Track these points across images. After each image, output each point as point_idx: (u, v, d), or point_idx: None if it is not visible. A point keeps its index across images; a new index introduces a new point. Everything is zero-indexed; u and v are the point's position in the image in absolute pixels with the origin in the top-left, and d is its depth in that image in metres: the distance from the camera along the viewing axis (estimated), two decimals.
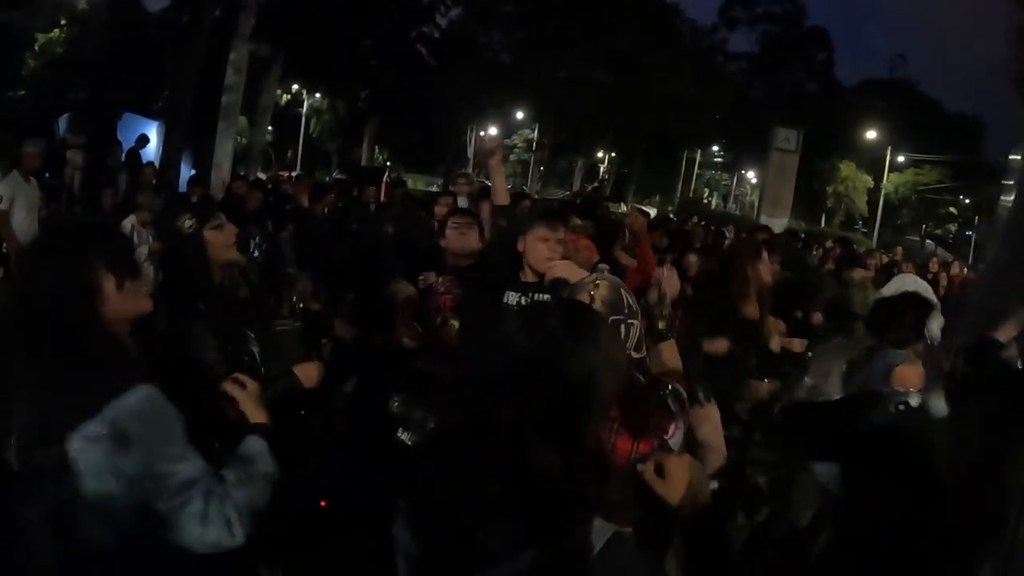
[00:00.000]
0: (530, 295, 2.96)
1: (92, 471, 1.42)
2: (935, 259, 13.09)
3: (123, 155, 10.33)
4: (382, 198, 7.13)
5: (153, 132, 14.86)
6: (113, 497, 1.44)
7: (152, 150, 13.52)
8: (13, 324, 1.53)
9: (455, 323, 3.33)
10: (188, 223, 2.32)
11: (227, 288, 2.42)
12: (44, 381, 1.46)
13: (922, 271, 9.40)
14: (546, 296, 2.85)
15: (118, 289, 1.57)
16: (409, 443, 3.17)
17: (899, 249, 13.46)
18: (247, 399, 1.78)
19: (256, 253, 5.89)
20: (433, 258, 3.61)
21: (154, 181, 8.40)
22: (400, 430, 3.20)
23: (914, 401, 2.40)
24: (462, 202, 5.46)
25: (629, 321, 1.97)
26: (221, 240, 2.38)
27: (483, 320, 3.07)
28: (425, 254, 3.69)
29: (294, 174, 18.08)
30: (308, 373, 2.25)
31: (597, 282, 1.98)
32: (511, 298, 3.02)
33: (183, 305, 2.22)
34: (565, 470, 1.21)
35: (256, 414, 1.77)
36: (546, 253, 2.91)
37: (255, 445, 1.69)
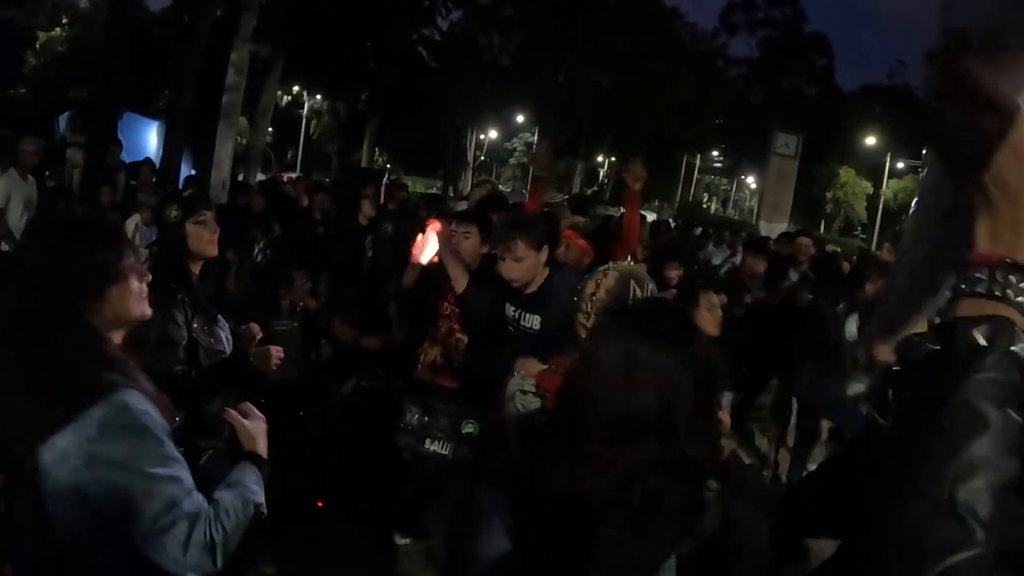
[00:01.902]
0: (520, 309, 2.97)
1: (62, 486, 1.32)
2: None
3: (122, 154, 10.30)
4: (382, 200, 7.10)
5: (154, 131, 14.86)
6: (85, 515, 1.34)
7: (152, 150, 13.54)
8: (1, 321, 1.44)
9: (463, 337, 3.29)
10: (174, 214, 2.42)
11: (205, 279, 2.51)
12: (19, 384, 1.36)
13: None
14: (535, 315, 2.86)
15: (115, 290, 1.49)
16: (445, 452, 3.17)
17: (886, 246, 13.42)
18: (251, 430, 1.67)
19: (260, 258, 5.85)
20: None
21: (153, 179, 8.38)
22: (428, 441, 3.18)
23: None
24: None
25: None
26: (202, 234, 2.45)
27: (488, 334, 3.08)
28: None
29: (293, 175, 18.09)
30: (262, 357, 2.35)
31: (607, 272, 2.00)
32: (509, 310, 3.01)
33: (160, 289, 2.24)
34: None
35: (256, 445, 1.66)
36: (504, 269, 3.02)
37: (251, 475, 1.58)
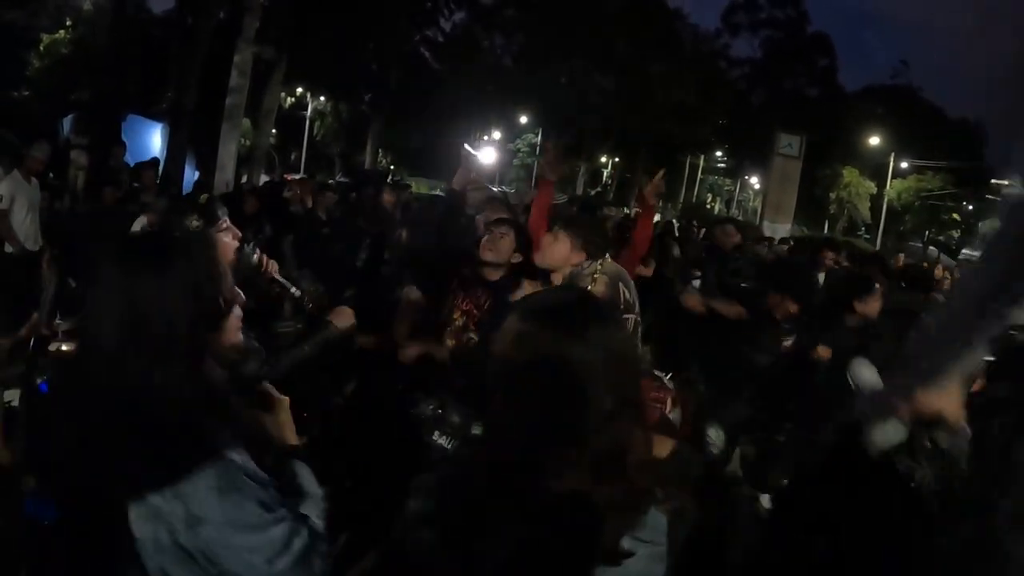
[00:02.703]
0: None
1: (157, 545, 1.19)
2: (940, 266, 13.01)
3: (125, 156, 10.33)
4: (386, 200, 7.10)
5: (157, 133, 14.89)
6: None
7: (156, 152, 13.56)
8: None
9: (475, 337, 3.28)
10: (195, 223, 2.30)
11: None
12: (116, 434, 1.21)
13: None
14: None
15: (230, 321, 1.36)
16: (447, 447, 3.17)
17: (900, 256, 13.40)
18: (278, 416, 1.51)
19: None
20: (440, 264, 3.58)
21: (156, 182, 8.41)
22: (436, 433, 3.18)
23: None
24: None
25: (625, 316, 1.98)
26: (225, 242, 2.34)
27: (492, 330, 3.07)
28: (434, 260, 3.67)
29: (296, 177, 18.09)
30: (344, 316, 2.28)
31: (595, 276, 1.97)
32: None
33: None
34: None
35: (290, 435, 1.51)
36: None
37: (306, 472, 1.46)
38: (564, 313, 1.21)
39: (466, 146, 3.66)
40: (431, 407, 3.17)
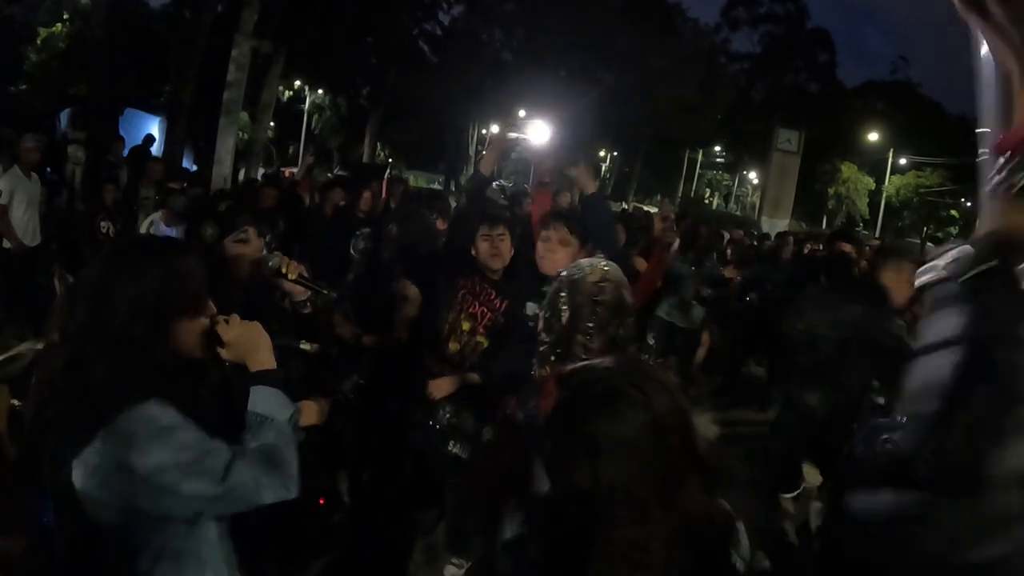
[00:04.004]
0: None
1: (96, 496, 1.34)
2: None
3: (125, 151, 10.30)
4: (383, 195, 7.06)
5: (155, 128, 14.87)
6: (123, 517, 1.37)
7: (154, 145, 13.53)
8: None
9: (483, 340, 3.26)
10: (210, 232, 2.21)
11: (253, 299, 2.28)
12: (62, 401, 1.39)
13: None
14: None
15: (185, 324, 1.47)
16: (463, 456, 3.16)
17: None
18: (248, 340, 1.55)
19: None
20: (435, 260, 3.55)
21: (160, 173, 8.36)
22: (451, 443, 3.17)
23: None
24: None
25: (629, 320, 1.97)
26: (245, 253, 2.27)
27: (507, 333, 3.08)
28: (427, 256, 3.64)
29: (294, 170, 18.00)
30: (309, 413, 2.11)
31: (601, 287, 1.91)
32: (530, 308, 3.01)
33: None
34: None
35: (257, 359, 1.55)
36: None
37: (268, 396, 1.52)
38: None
39: (510, 133, 3.56)
40: (447, 414, 3.15)
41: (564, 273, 1.99)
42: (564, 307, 1.90)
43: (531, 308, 3.02)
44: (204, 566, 1.47)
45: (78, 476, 1.33)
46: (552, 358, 1.92)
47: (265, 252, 2.30)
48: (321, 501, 3.67)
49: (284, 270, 2.28)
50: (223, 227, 2.23)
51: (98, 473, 1.32)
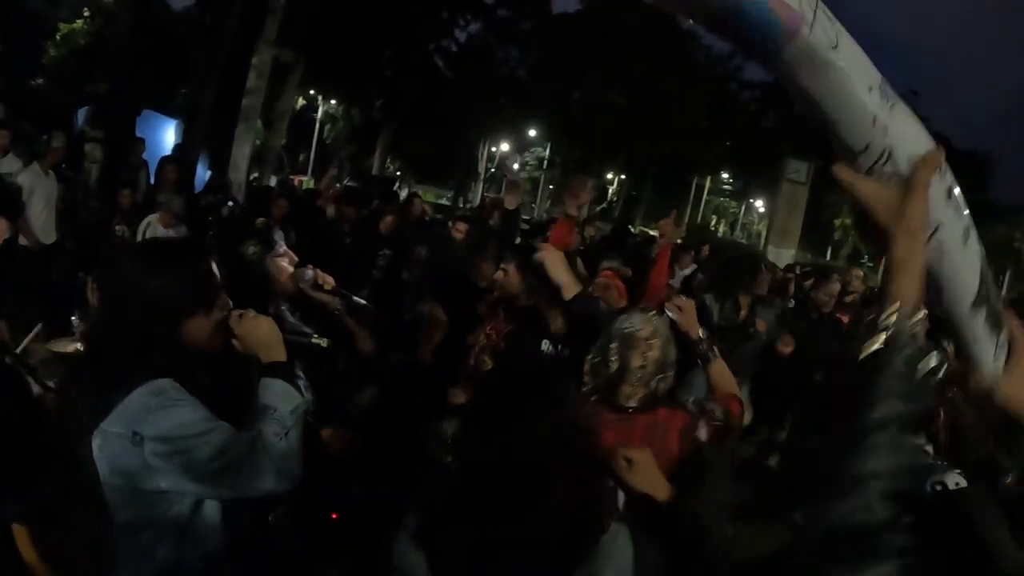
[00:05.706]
0: (557, 345, 2.98)
1: (113, 467, 1.42)
2: None
3: (144, 152, 10.32)
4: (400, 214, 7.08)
5: (171, 129, 14.91)
6: (137, 491, 1.44)
7: (169, 148, 13.57)
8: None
9: (487, 360, 3.28)
10: (252, 250, 2.27)
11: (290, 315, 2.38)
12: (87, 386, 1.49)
13: None
14: (565, 347, 2.89)
15: (198, 322, 1.55)
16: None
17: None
18: (262, 335, 1.60)
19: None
20: (462, 281, 3.57)
21: (175, 179, 8.38)
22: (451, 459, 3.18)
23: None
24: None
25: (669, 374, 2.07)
26: (284, 268, 2.37)
27: (522, 367, 3.09)
28: (455, 277, 3.65)
29: (304, 179, 18.07)
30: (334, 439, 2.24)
31: (651, 343, 2.03)
32: (545, 346, 3.03)
33: None
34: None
35: (268, 352, 1.60)
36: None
37: (274, 388, 1.56)
38: None
39: (510, 169, 3.70)
40: (452, 431, 3.16)
41: (617, 325, 2.05)
42: (614, 358, 2.04)
43: (546, 345, 3.05)
44: (204, 547, 1.51)
45: (95, 448, 1.40)
46: (592, 398, 2.09)
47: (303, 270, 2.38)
48: (334, 516, 3.64)
49: (319, 282, 2.36)
50: (264, 245, 2.28)
51: (111, 443, 1.40)
